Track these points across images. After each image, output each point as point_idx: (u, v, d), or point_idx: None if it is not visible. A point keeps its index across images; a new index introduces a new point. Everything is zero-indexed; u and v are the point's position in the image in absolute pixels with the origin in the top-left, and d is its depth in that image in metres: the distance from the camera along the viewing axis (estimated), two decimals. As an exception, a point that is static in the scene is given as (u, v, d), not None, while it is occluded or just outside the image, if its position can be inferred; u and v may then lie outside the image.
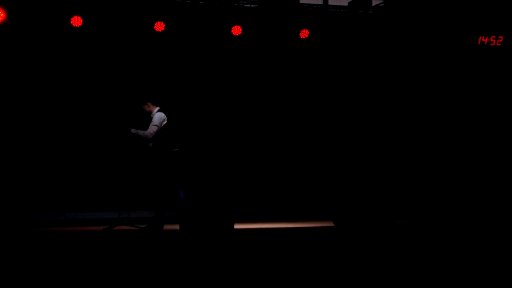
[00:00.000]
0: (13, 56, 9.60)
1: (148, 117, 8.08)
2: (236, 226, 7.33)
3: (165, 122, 8.06)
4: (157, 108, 8.14)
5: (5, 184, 9.43)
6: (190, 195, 7.84)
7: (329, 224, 8.24)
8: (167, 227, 8.53)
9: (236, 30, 10.12)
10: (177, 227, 7.25)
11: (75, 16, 9.39)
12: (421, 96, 11.25)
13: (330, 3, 10.60)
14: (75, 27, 9.45)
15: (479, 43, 10.80)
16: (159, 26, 9.80)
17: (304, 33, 10.40)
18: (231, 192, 9.12)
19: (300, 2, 10.40)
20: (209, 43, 10.40)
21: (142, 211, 9.57)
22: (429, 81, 11.27)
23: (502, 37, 10.77)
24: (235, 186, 10.09)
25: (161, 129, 7.97)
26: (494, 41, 10.78)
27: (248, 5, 10.27)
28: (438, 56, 11.09)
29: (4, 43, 9.49)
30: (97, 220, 9.25)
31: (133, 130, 7.89)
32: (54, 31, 9.61)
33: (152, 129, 7.91)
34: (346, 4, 10.56)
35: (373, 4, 10.66)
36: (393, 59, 11.15)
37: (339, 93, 11.18)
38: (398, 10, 10.74)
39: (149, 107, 8.16)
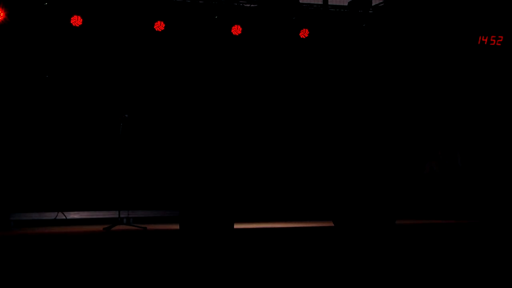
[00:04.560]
0: (13, 56, 9.60)
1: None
2: (236, 226, 7.33)
3: None
4: None
5: (5, 184, 9.43)
6: (190, 195, 7.84)
7: (329, 224, 8.24)
8: (167, 227, 8.54)
9: (236, 30, 10.12)
10: (177, 227, 7.25)
11: (75, 16, 9.39)
12: (421, 96, 11.25)
13: (330, 3, 10.61)
14: (75, 27, 9.45)
15: (479, 43, 10.81)
16: (159, 26, 9.80)
17: (304, 33, 10.40)
18: (231, 192, 9.11)
19: (300, 2, 10.40)
20: (209, 43, 10.40)
21: (141, 210, 9.59)
22: (429, 81, 11.28)
23: (502, 37, 10.78)
24: (235, 186, 10.10)
25: None
26: (494, 41, 10.78)
27: (248, 5, 10.28)
28: (438, 56, 11.09)
29: (4, 43, 9.49)
30: (97, 219, 9.25)
31: None
32: (54, 31, 9.61)
33: None
34: (346, 4, 10.56)
35: (373, 4, 10.66)
36: (393, 59, 11.16)
37: (339, 93, 11.18)
38: (398, 10, 10.74)
39: None
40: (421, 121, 11.25)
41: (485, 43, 10.78)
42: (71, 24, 9.40)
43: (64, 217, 9.35)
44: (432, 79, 11.28)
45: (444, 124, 11.26)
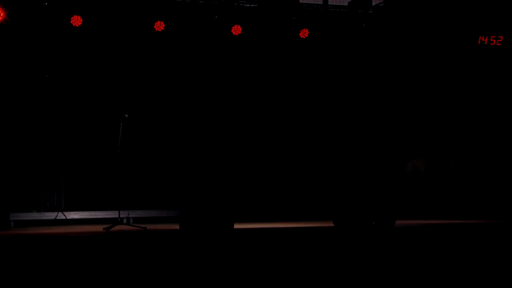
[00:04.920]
0: (13, 56, 9.60)
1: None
2: (236, 226, 7.33)
3: None
4: None
5: (5, 183, 9.43)
6: (190, 195, 7.85)
7: (329, 224, 8.23)
8: (167, 227, 8.54)
9: (236, 30, 10.12)
10: (177, 227, 7.25)
11: (75, 16, 9.39)
12: (421, 96, 11.25)
13: (330, 3, 10.60)
14: (75, 27, 9.45)
15: (479, 43, 10.81)
16: (159, 26, 9.80)
17: (304, 33, 10.40)
18: (231, 192, 9.11)
19: (300, 1, 10.39)
20: (209, 43, 10.40)
21: (141, 210, 9.59)
22: (429, 81, 11.28)
23: (502, 37, 10.77)
24: (235, 186, 10.10)
25: None
26: (494, 41, 10.78)
27: (248, 5, 10.27)
28: (438, 56, 11.09)
29: (4, 43, 9.49)
30: (97, 219, 9.25)
31: None
32: (54, 31, 9.61)
33: None
34: (346, 4, 10.55)
35: (373, 4, 10.65)
36: (393, 59, 11.15)
37: (339, 93, 11.18)
38: (398, 10, 10.74)
39: None
40: (421, 122, 11.25)
41: (485, 43, 10.78)
42: (71, 24, 9.40)
43: (64, 217, 9.35)
44: (432, 79, 11.28)
45: (446, 125, 11.27)
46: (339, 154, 11.12)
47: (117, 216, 8.11)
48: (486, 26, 10.80)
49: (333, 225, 8.00)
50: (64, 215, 9.32)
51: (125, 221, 8.59)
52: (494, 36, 10.78)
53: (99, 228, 8.04)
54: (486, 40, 10.76)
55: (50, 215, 9.35)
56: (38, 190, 9.62)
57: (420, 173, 10.81)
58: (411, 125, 11.21)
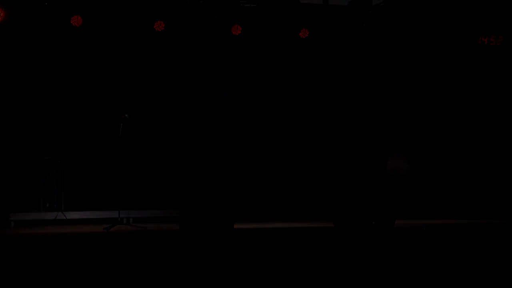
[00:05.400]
0: (13, 56, 9.60)
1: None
2: (236, 226, 7.33)
3: None
4: None
5: (5, 183, 9.43)
6: (190, 194, 7.86)
7: (329, 224, 8.24)
8: (167, 227, 8.54)
9: (236, 30, 10.12)
10: (177, 227, 7.26)
11: (75, 16, 9.40)
12: (421, 96, 11.25)
13: (330, 2, 10.60)
14: (75, 27, 9.46)
15: (479, 42, 10.81)
16: (159, 26, 9.81)
17: (304, 33, 10.40)
18: (231, 192, 9.12)
19: (300, 1, 10.40)
20: (209, 43, 10.41)
21: (141, 210, 9.58)
22: (429, 81, 11.28)
23: (502, 37, 10.78)
24: (235, 186, 10.10)
25: None
26: (494, 40, 10.78)
27: (248, 5, 10.27)
28: (438, 56, 11.09)
29: (4, 42, 9.49)
30: (97, 220, 9.25)
31: None
32: (54, 31, 9.61)
33: None
34: (346, 4, 10.56)
35: (373, 4, 10.66)
36: (393, 59, 11.15)
37: (339, 93, 11.18)
38: (398, 10, 10.74)
39: None
40: (419, 121, 11.26)
41: (485, 43, 10.78)
42: (71, 24, 9.41)
43: (64, 217, 9.35)
44: (432, 79, 11.28)
45: (443, 123, 11.27)
46: (339, 154, 11.13)
47: (117, 216, 8.11)
48: (486, 26, 10.80)
49: (333, 225, 8.00)
50: (64, 215, 9.31)
51: (125, 221, 8.59)
52: (494, 36, 10.78)
53: (99, 228, 8.04)
54: (486, 40, 10.77)
55: (50, 215, 9.35)
56: (38, 190, 9.62)
57: (403, 173, 10.77)
58: (408, 124, 11.21)
